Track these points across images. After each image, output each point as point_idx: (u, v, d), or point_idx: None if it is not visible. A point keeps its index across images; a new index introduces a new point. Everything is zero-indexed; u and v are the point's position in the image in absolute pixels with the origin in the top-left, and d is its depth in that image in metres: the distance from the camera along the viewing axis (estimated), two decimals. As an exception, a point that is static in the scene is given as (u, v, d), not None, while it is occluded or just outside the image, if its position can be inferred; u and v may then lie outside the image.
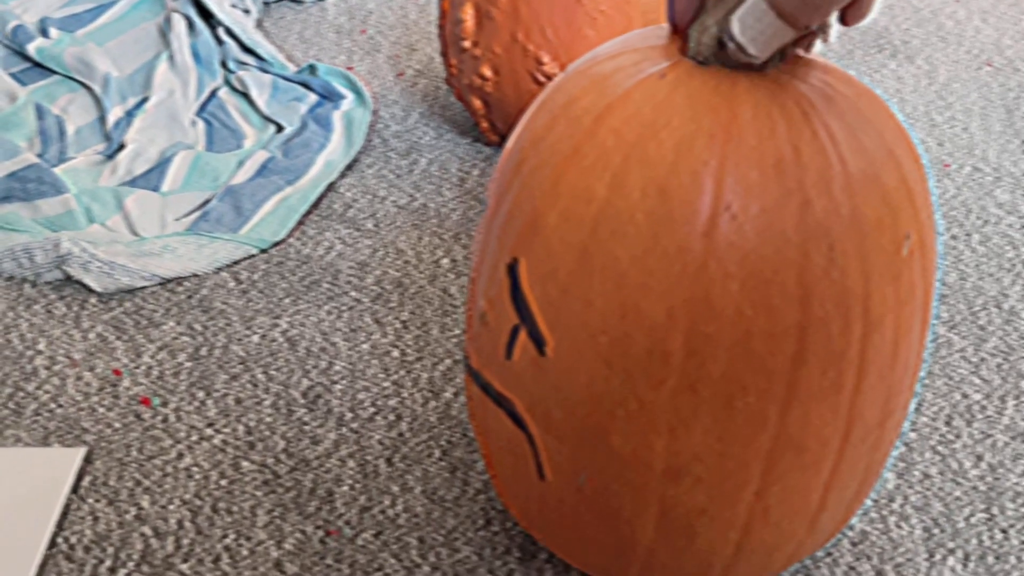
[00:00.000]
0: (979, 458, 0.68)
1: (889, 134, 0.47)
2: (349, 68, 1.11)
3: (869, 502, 0.64)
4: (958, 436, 0.69)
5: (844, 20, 0.45)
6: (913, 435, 0.69)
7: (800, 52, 0.49)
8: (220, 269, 0.83)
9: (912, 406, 0.72)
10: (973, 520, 0.63)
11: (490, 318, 0.51)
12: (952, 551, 0.61)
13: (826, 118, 0.45)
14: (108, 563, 0.61)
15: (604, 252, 0.45)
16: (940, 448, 0.68)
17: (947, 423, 0.70)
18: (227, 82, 1.06)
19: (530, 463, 0.52)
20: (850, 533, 0.62)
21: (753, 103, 0.45)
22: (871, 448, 0.49)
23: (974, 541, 0.62)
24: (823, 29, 0.47)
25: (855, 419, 0.47)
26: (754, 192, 0.43)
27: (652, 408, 0.46)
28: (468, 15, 0.88)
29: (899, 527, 0.63)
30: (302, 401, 0.72)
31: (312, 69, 1.07)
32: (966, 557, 0.61)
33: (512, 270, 0.49)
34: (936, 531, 0.63)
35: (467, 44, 0.89)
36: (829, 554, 0.61)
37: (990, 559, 0.61)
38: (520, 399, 0.50)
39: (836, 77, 0.48)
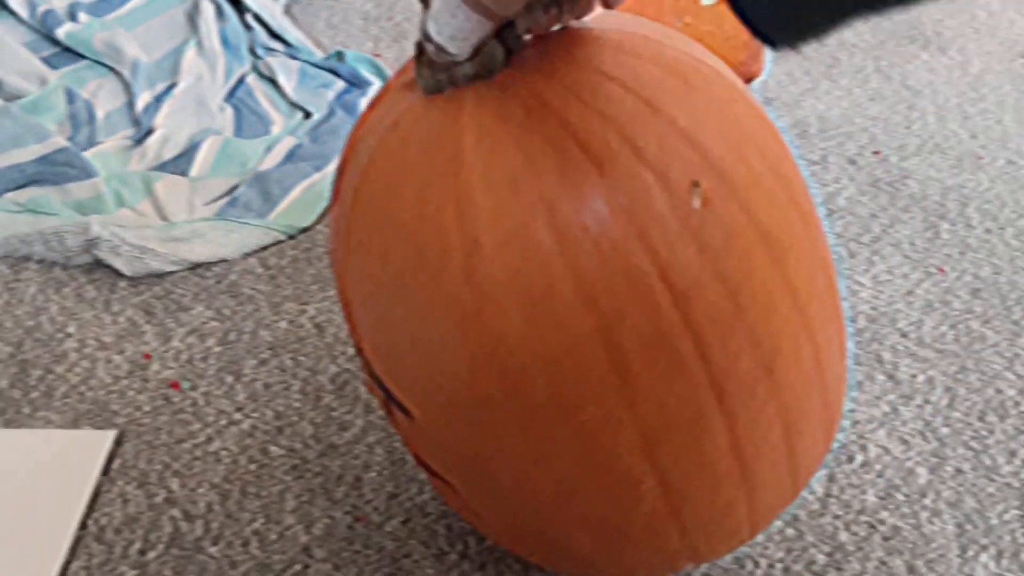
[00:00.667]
0: (1012, 454, 0.67)
1: (645, 82, 0.44)
2: (376, 55, 1.11)
3: (899, 496, 0.64)
4: (991, 432, 0.68)
5: (605, 2, 0.42)
6: (946, 430, 0.68)
7: (527, 38, 0.46)
8: (248, 255, 0.83)
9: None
10: (1006, 517, 0.63)
11: (372, 390, 0.51)
12: (985, 547, 0.61)
13: (558, 103, 0.43)
14: (138, 545, 0.61)
15: (398, 323, 0.45)
16: (973, 444, 0.68)
17: (980, 419, 0.69)
18: (255, 68, 1.06)
19: (464, 507, 0.53)
20: (881, 528, 0.62)
21: (477, 126, 0.43)
22: (771, 393, 0.46)
23: (1007, 538, 0.61)
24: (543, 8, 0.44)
25: (721, 381, 0.45)
26: (496, 219, 0.42)
27: (507, 446, 0.46)
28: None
29: (931, 523, 0.62)
30: (330, 387, 0.72)
31: (340, 55, 1.07)
32: (999, 554, 0.61)
33: (359, 348, 0.50)
34: (969, 527, 0.62)
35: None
36: (860, 548, 0.61)
37: (1023, 556, 0.60)
38: (426, 456, 0.51)
39: (580, 42, 0.45)
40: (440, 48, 0.43)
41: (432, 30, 0.42)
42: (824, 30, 0.38)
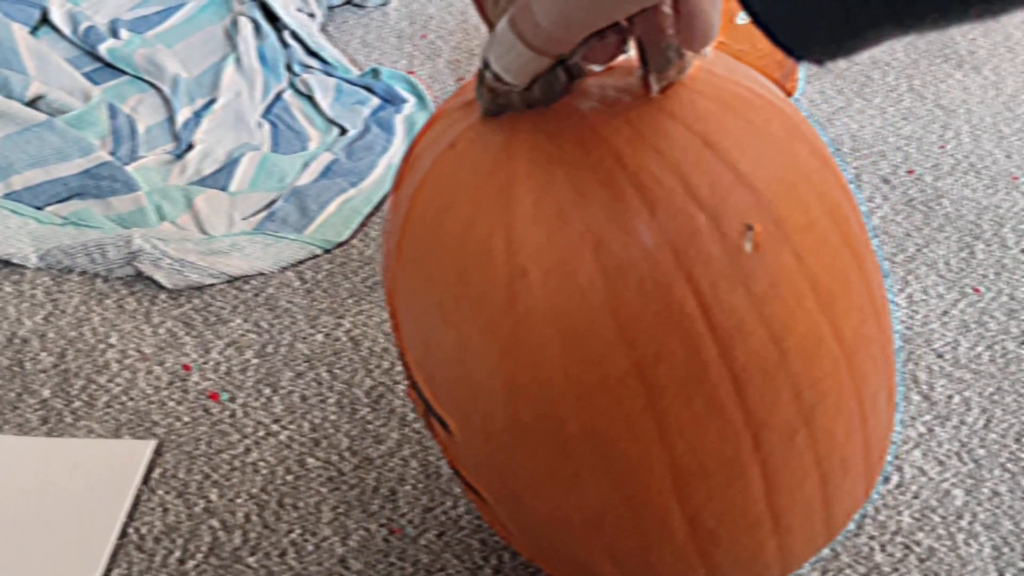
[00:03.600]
0: (1050, 477, 0.66)
1: (708, 123, 0.43)
2: (410, 72, 1.12)
3: (936, 518, 0.64)
4: (1028, 454, 0.68)
5: (686, 44, 0.42)
6: (982, 452, 0.68)
7: (595, 68, 0.46)
8: (285, 268, 0.85)
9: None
10: (1044, 539, 0.62)
11: (413, 399, 0.52)
12: (1022, 571, 0.60)
13: (616, 139, 0.43)
14: (177, 554, 0.62)
15: (440, 342, 0.45)
16: (1010, 466, 0.67)
17: (1017, 440, 0.69)
18: (292, 85, 1.08)
19: (497, 522, 0.53)
20: (917, 549, 0.62)
21: (530, 154, 0.43)
22: (809, 444, 0.46)
23: (1045, 561, 0.61)
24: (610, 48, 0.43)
25: (758, 427, 0.44)
26: (542, 250, 0.42)
27: (540, 472, 0.46)
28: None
29: (967, 544, 0.62)
30: (365, 400, 0.73)
31: (375, 73, 1.09)
32: (1037, 577, 0.60)
33: (403, 358, 0.50)
34: (1006, 550, 0.62)
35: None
36: (896, 570, 0.60)
37: (1062, 580, 0.60)
38: (463, 470, 0.51)
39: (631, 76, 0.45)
40: (497, 76, 0.43)
41: (491, 57, 0.43)
42: (848, 45, 0.36)
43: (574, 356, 0.42)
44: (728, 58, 0.49)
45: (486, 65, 0.44)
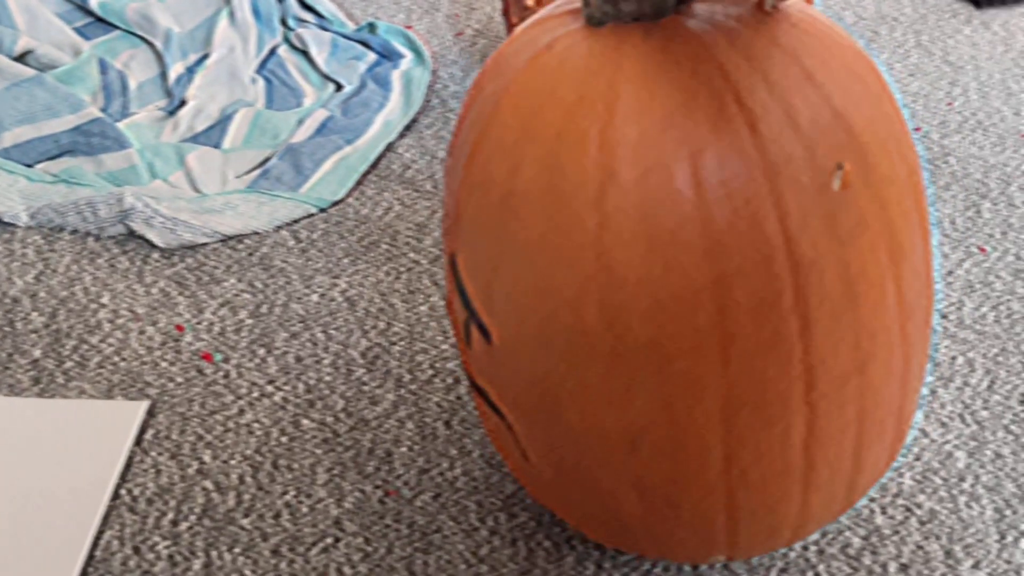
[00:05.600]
0: (1054, 439, 0.66)
1: (811, 57, 0.44)
2: (408, 27, 1.10)
3: (937, 480, 0.63)
4: (1032, 416, 0.67)
5: None
6: (985, 413, 0.67)
7: None
8: (280, 227, 0.83)
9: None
10: (1047, 502, 0.62)
11: (451, 311, 0.51)
12: (1024, 533, 0.60)
13: (724, 58, 0.43)
14: (170, 516, 0.62)
15: (511, 236, 0.45)
16: (1013, 428, 0.66)
17: (1021, 402, 0.68)
18: (286, 39, 1.06)
19: (514, 448, 0.52)
20: (918, 512, 0.61)
21: (639, 59, 0.43)
22: (856, 396, 0.46)
23: (1047, 524, 0.60)
24: None
25: (815, 368, 0.44)
26: (639, 152, 0.42)
27: (590, 382, 0.45)
28: (533, -27, 0.86)
29: (969, 507, 0.61)
30: (361, 361, 0.72)
31: (371, 27, 1.06)
32: (1039, 540, 0.60)
33: (454, 265, 0.49)
34: (1008, 512, 0.61)
35: (530, 2, 0.87)
36: (896, 532, 0.60)
37: (1064, 543, 0.59)
38: (491, 387, 0.50)
39: (754, 5, 0.45)
40: None
41: None
42: None
43: (653, 263, 0.42)
44: (833, 22, 0.49)
45: None
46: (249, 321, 0.75)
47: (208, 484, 0.63)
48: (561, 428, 0.48)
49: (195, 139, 0.90)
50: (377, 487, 0.63)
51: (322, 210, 0.85)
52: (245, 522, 0.61)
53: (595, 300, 0.43)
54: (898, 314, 0.46)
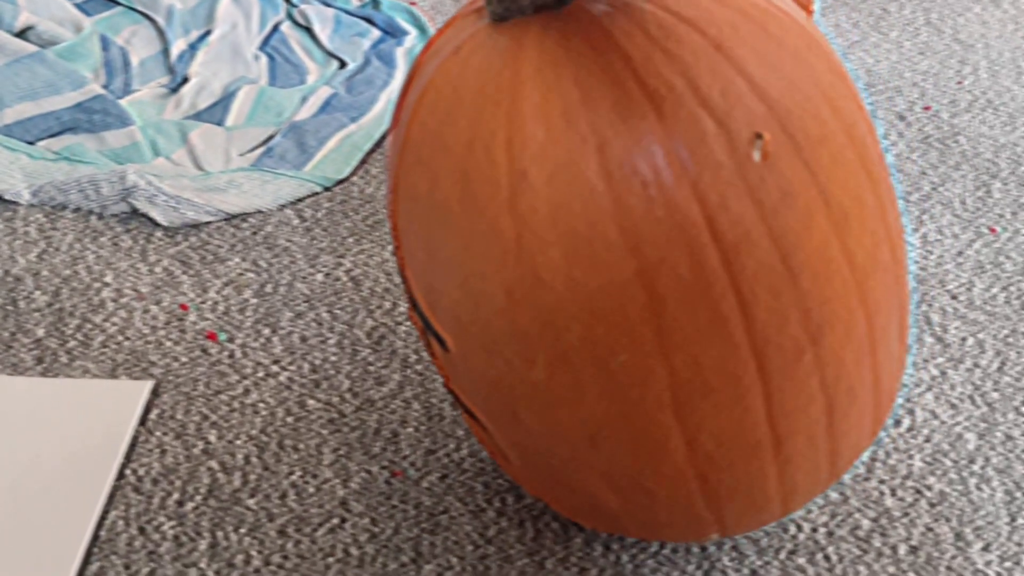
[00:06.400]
0: (1064, 421, 0.65)
1: (717, 26, 0.42)
2: (412, 3, 1.09)
3: (947, 462, 0.62)
4: (1043, 397, 0.67)
5: None
6: (996, 395, 0.67)
7: None
8: (284, 206, 0.83)
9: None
10: (1057, 484, 0.61)
11: (412, 319, 0.51)
12: (1034, 515, 0.60)
13: (624, 40, 0.42)
14: (176, 496, 0.61)
15: (439, 247, 0.44)
16: (1023, 409, 0.66)
17: (1031, 384, 0.68)
18: (290, 16, 1.05)
19: (495, 448, 0.52)
20: (928, 494, 0.61)
21: (537, 55, 0.42)
22: (815, 365, 0.45)
23: (1058, 506, 0.60)
24: None
25: (762, 344, 0.43)
26: (546, 151, 0.41)
27: (539, 384, 0.45)
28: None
29: (980, 489, 0.61)
30: (367, 341, 0.71)
31: (375, 3, 1.05)
32: (1049, 522, 0.59)
33: (403, 274, 0.49)
34: (1019, 495, 0.61)
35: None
36: (906, 514, 0.60)
37: (1074, 525, 0.59)
38: (460, 391, 0.50)
39: None
40: None
41: None
42: None
43: (575, 259, 0.41)
44: None
45: None
46: (254, 300, 0.74)
47: (213, 464, 0.63)
48: (523, 430, 0.48)
49: (198, 116, 0.89)
50: (383, 468, 0.63)
51: (326, 189, 0.84)
52: (251, 502, 0.61)
53: (526, 305, 0.43)
54: (851, 276, 0.44)
